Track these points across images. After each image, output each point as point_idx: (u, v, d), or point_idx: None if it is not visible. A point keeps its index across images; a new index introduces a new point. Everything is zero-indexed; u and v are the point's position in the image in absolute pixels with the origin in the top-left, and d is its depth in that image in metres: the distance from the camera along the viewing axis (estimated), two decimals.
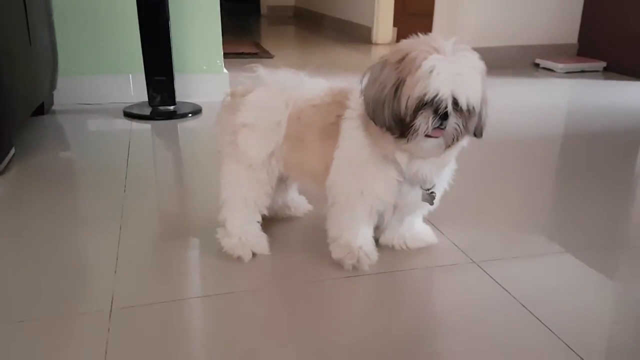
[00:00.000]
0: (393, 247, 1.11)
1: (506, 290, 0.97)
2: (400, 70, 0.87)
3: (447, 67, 0.85)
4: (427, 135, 0.88)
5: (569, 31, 3.27)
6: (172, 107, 2.09)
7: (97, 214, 1.28)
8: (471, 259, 1.08)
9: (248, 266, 1.05)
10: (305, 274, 1.02)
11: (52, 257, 1.08)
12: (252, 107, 1.04)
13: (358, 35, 4.30)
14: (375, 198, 0.99)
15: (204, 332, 0.87)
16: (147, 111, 2.07)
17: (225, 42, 2.34)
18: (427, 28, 3.94)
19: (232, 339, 0.85)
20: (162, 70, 2.04)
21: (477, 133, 0.94)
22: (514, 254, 1.11)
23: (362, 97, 0.93)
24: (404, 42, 0.91)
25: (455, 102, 0.86)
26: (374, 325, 0.89)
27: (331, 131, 1.00)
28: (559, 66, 3.02)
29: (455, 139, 0.90)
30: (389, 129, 0.90)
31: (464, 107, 0.86)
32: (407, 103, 0.86)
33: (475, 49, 0.90)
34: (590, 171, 1.60)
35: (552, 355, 0.82)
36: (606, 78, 2.93)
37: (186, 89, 2.21)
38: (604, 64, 3.07)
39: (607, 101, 2.45)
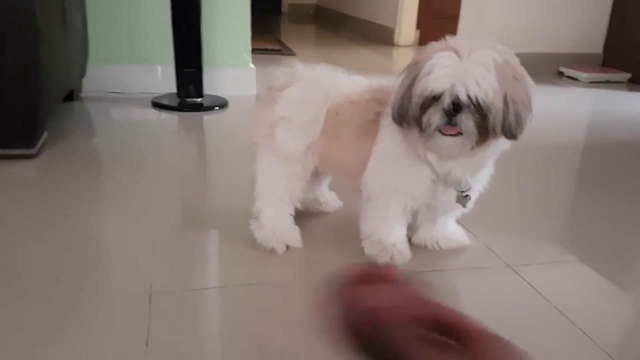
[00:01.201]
0: (425, 246, 1.11)
1: (540, 294, 0.97)
2: (415, 71, 0.89)
3: (450, 63, 0.85)
4: (443, 133, 0.88)
5: (594, 40, 3.26)
6: (199, 100, 2.11)
7: (128, 200, 1.29)
8: (505, 262, 1.08)
9: (280, 258, 1.06)
10: (336, 269, 1.03)
11: (89, 240, 1.09)
12: (291, 101, 1.05)
13: (380, 36, 4.30)
14: (409, 196, 0.99)
15: (238, 320, 0.88)
16: (175, 102, 2.08)
17: None
18: (450, 31, 3.93)
19: (263, 329, 0.86)
20: (192, 62, 2.06)
21: (507, 134, 0.90)
22: (546, 258, 1.11)
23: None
24: (429, 45, 0.91)
25: (463, 96, 0.84)
26: None
27: (370, 128, 1.01)
28: (583, 75, 3.01)
29: (478, 139, 0.88)
30: (408, 126, 0.91)
31: (465, 101, 0.84)
32: (414, 100, 0.88)
33: None
34: (613, 181, 1.60)
35: None
36: (630, 89, 2.91)
37: (213, 82, 2.22)
38: (628, 75, 3.05)
39: (631, 113, 2.43)
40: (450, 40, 0.90)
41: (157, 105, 2.06)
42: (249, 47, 2.30)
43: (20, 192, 1.30)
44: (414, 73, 0.90)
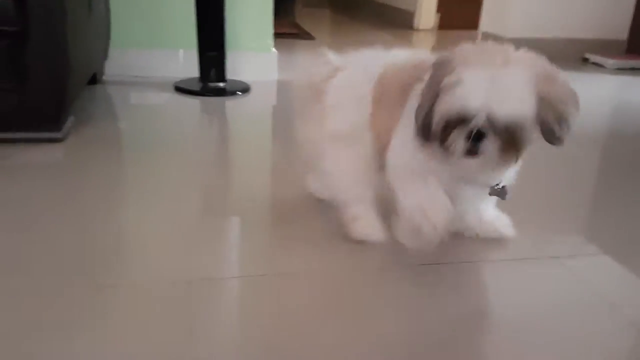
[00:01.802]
0: (463, 234, 1.06)
1: (589, 287, 0.95)
2: (439, 79, 0.81)
3: (480, 79, 0.77)
4: (466, 156, 0.82)
5: (619, 27, 3.18)
6: (222, 84, 2.09)
7: (153, 184, 1.29)
8: (547, 254, 1.05)
9: (301, 246, 1.05)
10: (387, 259, 1.01)
11: (118, 224, 1.09)
12: (339, 88, 1.02)
13: (398, 20, 4.25)
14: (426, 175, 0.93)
15: (275, 308, 0.88)
16: (198, 87, 2.07)
17: None
18: (472, 15, 3.87)
19: (301, 318, 0.86)
20: (215, 46, 2.04)
21: (555, 142, 0.84)
22: (586, 250, 1.09)
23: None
24: (460, 47, 0.84)
25: (491, 121, 0.77)
26: (447, 314, 0.88)
27: (406, 92, 0.95)
28: (609, 62, 2.95)
29: (502, 159, 0.82)
30: (426, 140, 0.85)
31: (499, 126, 0.78)
32: (436, 119, 0.81)
33: (522, 40, 0.84)
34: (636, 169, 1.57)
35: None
36: None
37: (235, 67, 2.21)
38: None
39: None
40: (481, 45, 0.83)
41: (180, 89, 2.05)
42: (272, 31, 2.28)
43: (50, 175, 1.31)
44: (438, 82, 0.82)
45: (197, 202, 1.22)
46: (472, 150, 0.80)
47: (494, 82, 0.77)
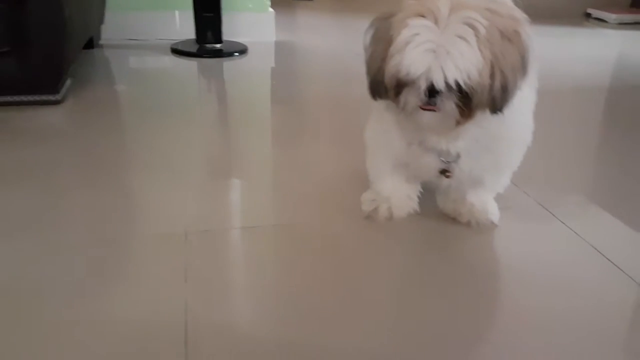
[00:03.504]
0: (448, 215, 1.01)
1: (586, 241, 0.96)
2: (391, 32, 0.78)
3: (428, 37, 0.74)
4: (422, 108, 0.80)
5: None
6: (218, 45, 2.09)
7: (153, 146, 1.31)
8: (547, 210, 1.05)
9: (276, 199, 1.08)
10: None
11: (119, 185, 1.12)
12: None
13: None
14: (386, 147, 0.94)
15: (267, 255, 0.91)
16: (194, 48, 2.07)
17: None
18: None
19: (292, 266, 0.89)
20: (210, 7, 2.03)
21: (492, 110, 0.80)
22: (584, 204, 1.10)
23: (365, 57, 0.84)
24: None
25: (439, 82, 0.75)
26: (444, 268, 0.91)
27: None
28: (612, 17, 2.90)
29: (461, 116, 0.79)
30: (380, 98, 0.84)
31: (442, 88, 0.75)
32: (387, 79, 0.79)
33: None
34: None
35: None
36: None
37: (232, 28, 2.19)
38: None
39: None
40: None
41: (176, 51, 2.05)
42: None
43: (49, 137, 1.32)
44: (384, 41, 0.79)
45: (197, 162, 1.23)
46: (429, 103, 0.78)
47: (443, 33, 0.74)
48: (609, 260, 0.90)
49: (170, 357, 0.67)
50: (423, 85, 0.76)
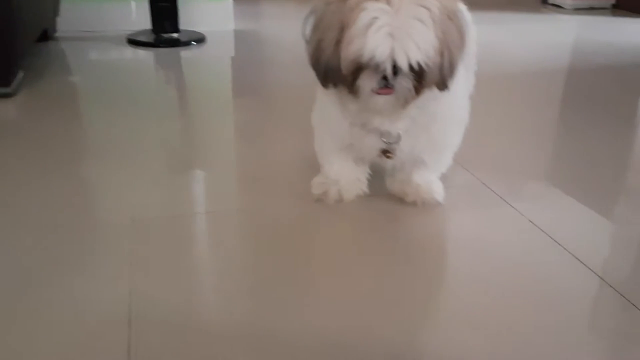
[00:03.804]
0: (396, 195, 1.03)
1: (536, 226, 0.98)
2: (342, 17, 0.78)
3: (387, 20, 0.75)
4: (377, 93, 0.81)
5: None
6: (175, 35, 2.07)
7: (109, 136, 1.30)
8: (500, 196, 1.07)
9: (227, 186, 1.09)
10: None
11: (71, 175, 1.11)
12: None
13: None
14: (330, 130, 0.96)
15: (215, 244, 0.92)
16: (151, 38, 2.05)
17: None
18: None
19: (243, 252, 0.90)
20: None
21: (440, 87, 0.84)
22: (537, 190, 1.12)
23: (306, 45, 0.84)
24: None
25: (399, 64, 0.77)
26: (392, 248, 0.93)
27: None
28: (567, 2, 2.96)
29: (410, 97, 0.82)
30: (333, 86, 0.83)
31: (406, 69, 0.78)
32: (345, 64, 0.79)
33: None
34: (595, 102, 1.62)
35: (576, 279, 0.86)
36: (615, 15, 2.89)
37: (190, 17, 2.18)
38: (612, 0, 3.01)
39: (614, 38, 2.42)
40: None
41: (133, 42, 2.03)
42: None
43: (3, 129, 1.31)
44: (335, 26, 0.79)
45: (151, 151, 1.23)
46: (386, 86, 0.80)
47: (400, 16, 0.76)
48: (550, 237, 0.93)
49: (112, 344, 0.67)
50: (388, 68, 0.77)
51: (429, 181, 1.02)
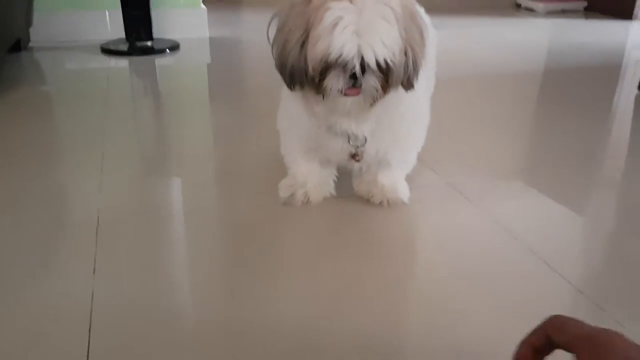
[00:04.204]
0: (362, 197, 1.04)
1: (502, 226, 1.01)
2: (307, 18, 0.79)
3: (353, 19, 0.76)
4: (345, 94, 0.82)
5: None
6: (149, 43, 2.08)
7: (83, 143, 1.30)
8: (466, 197, 1.09)
9: (195, 189, 1.09)
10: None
11: (43, 180, 1.11)
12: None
13: None
14: (296, 133, 0.96)
15: (182, 244, 0.92)
16: (124, 47, 2.05)
17: None
18: None
19: (206, 252, 0.91)
20: (139, 4, 2.01)
21: (405, 86, 0.85)
22: (507, 189, 1.13)
23: (272, 48, 0.84)
24: None
25: (366, 62, 0.78)
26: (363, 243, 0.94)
27: None
28: (539, 6, 3.01)
29: (377, 96, 0.83)
30: (299, 88, 0.84)
31: (373, 66, 0.78)
32: (312, 64, 0.79)
33: None
34: (568, 102, 1.65)
35: (534, 273, 0.88)
36: (587, 18, 2.94)
37: (163, 25, 2.18)
38: (584, 3, 3.07)
39: (586, 40, 2.47)
40: None
41: (107, 51, 2.02)
42: None
43: None
44: (300, 27, 0.79)
45: (128, 156, 1.23)
46: (354, 85, 0.81)
47: (365, 15, 0.76)
48: (508, 232, 0.95)
49: (72, 343, 0.68)
50: (356, 66, 0.78)
51: (395, 181, 1.03)
